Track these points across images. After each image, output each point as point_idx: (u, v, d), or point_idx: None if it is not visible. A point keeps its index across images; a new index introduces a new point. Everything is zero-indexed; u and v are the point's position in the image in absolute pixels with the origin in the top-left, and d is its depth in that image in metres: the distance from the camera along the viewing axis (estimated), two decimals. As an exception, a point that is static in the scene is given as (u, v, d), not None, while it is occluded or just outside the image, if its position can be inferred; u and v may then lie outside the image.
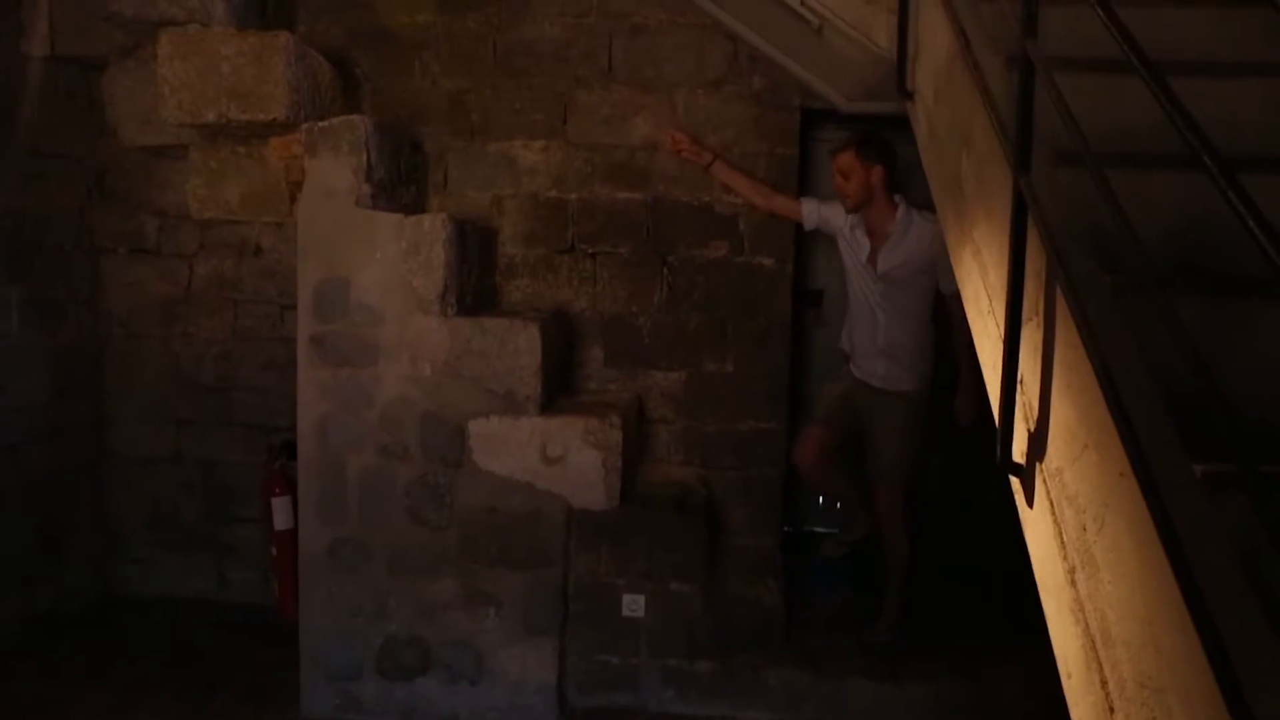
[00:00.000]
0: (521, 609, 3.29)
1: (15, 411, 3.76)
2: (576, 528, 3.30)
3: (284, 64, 3.25)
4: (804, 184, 3.95)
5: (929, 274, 3.44)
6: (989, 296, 1.98)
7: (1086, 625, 1.31)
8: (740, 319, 3.85)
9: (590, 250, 3.86)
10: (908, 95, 3.09)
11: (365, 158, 3.20)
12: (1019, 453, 1.65)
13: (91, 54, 3.70)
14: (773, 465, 3.84)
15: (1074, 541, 1.37)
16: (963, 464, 4.15)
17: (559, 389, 3.63)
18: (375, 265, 3.20)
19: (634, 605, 3.29)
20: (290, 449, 3.54)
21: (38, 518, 3.87)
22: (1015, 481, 1.67)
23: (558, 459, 3.26)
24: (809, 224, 3.66)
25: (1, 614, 3.68)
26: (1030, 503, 1.59)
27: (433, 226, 3.17)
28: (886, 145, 3.44)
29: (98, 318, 4.16)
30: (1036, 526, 1.56)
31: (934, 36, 2.71)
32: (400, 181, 3.57)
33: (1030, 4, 1.69)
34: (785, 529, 3.98)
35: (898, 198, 3.47)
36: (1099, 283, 1.47)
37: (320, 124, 3.23)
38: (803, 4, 3.42)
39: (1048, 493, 1.50)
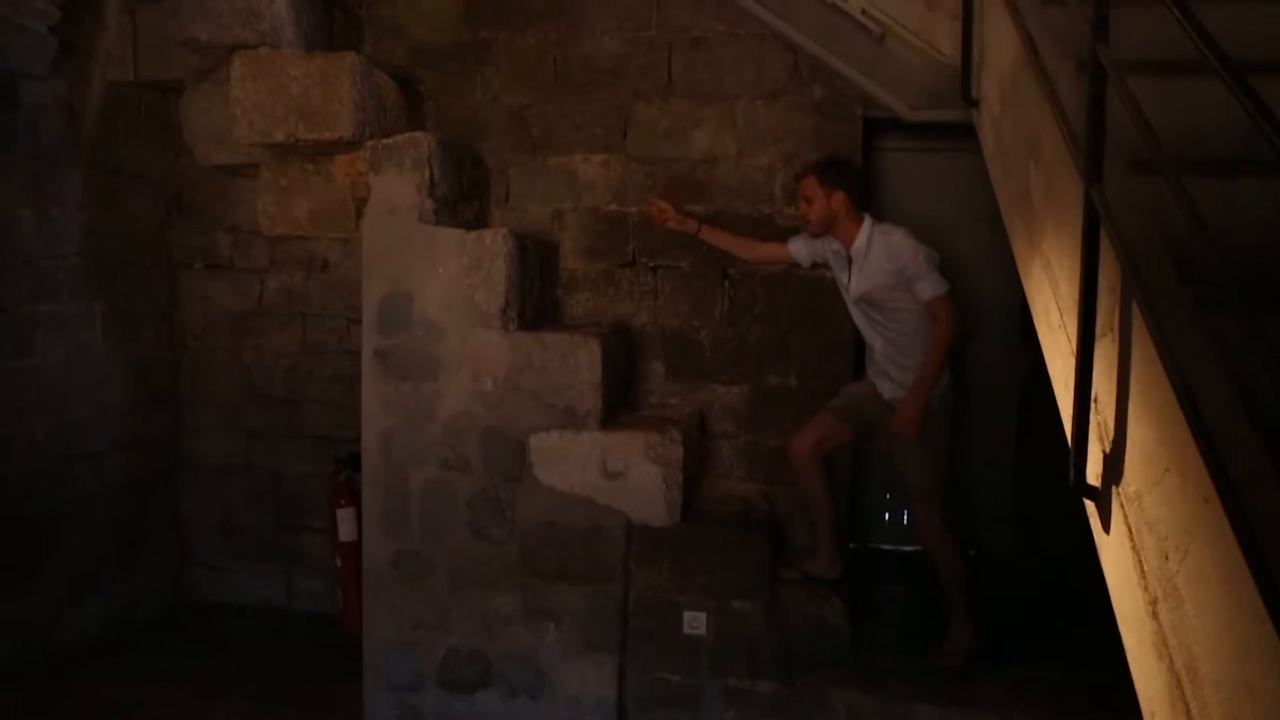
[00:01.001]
0: (582, 624, 3.28)
1: (99, 421, 3.90)
2: (637, 543, 3.28)
3: (350, 84, 3.31)
4: (866, 194, 3.88)
5: (904, 288, 3.28)
6: (1059, 311, 1.91)
7: (1171, 662, 1.24)
8: (802, 332, 3.79)
9: (651, 264, 3.86)
10: (973, 103, 3.02)
11: (428, 174, 3.25)
12: (1094, 475, 1.58)
13: (170, 78, 3.83)
14: (836, 479, 3.76)
15: (1155, 571, 1.30)
16: (1036, 483, 4.03)
17: (620, 403, 3.62)
18: (438, 280, 3.23)
19: (695, 623, 3.25)
20: (355, 461, 3.59)
21: (118, 524, 4.01)
22: (1090, 505, 1.60)
23: (618, 474, 3.25)
24: (803, 260, 3.61)
25: (83, 615, 3.81)
26: (1106, 528, 1.52)
27: (494, 242, 3.20)
28: (849, 168, 3.42)
29: (175, 331, 4.30)
30: (1114, 554, 1.49)
31: (999, 43, 2.64)
32: (463, 197, 3.61)
33: (1101, 6, 1.62)
34: (850, 545, 3.90)
35: (866, 218, 3.37)
36: (1178, 296, 1.40)
37: (384, 141, 3.29)
38: (863, 13, 3.36)
39: (1125, 518, 1.43)
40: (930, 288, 3.23)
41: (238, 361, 4.25)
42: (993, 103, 2.76)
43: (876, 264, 3.31)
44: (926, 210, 4.13)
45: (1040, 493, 3.98)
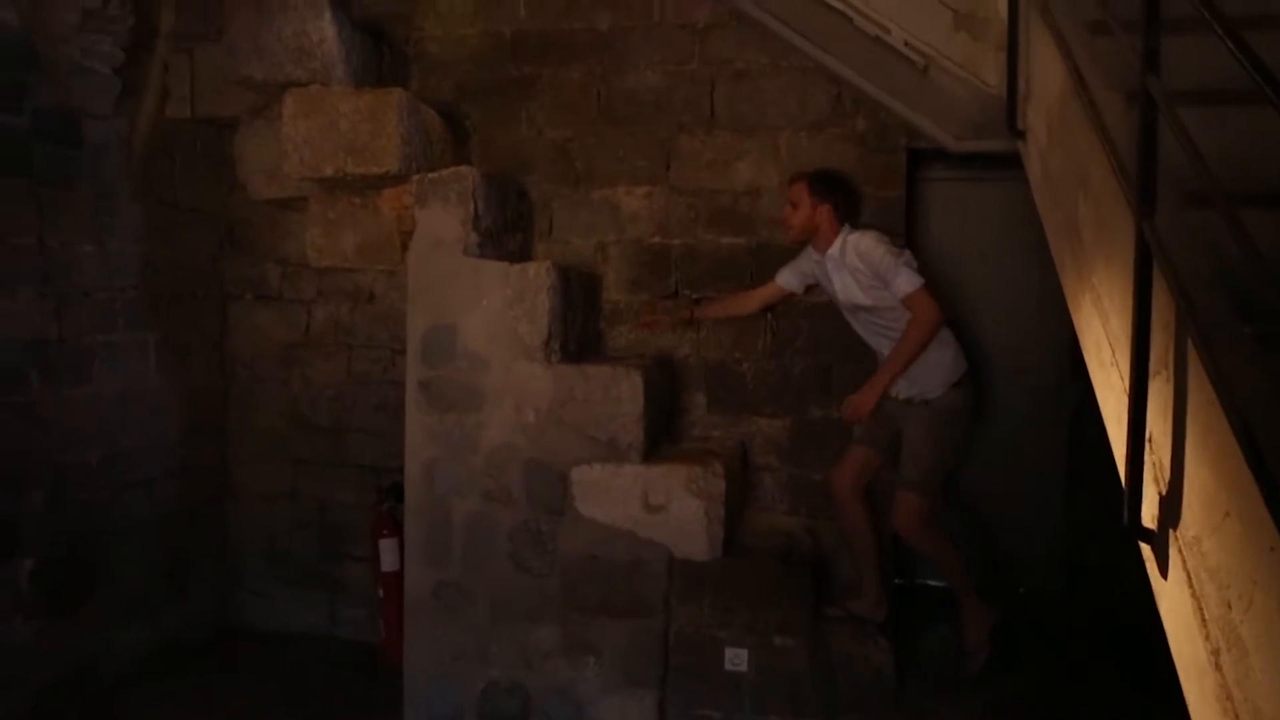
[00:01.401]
0: (622, 659, 3.25)
1: (150, 449, 3.98)
2: (678, 578, 3.25)
3: (397, 119, 3.38)
4: (912, 225, 3.86)
5: (885, 288, 3.30)
6: (1111, 347, 1.86)
7: (1236, 717, 1.18)
8: (846, 364, 3.75)
9: (694, 295, 3.86)
10: (1019, 134, 2.99)
11: (473, 207, 3.29)
12: (1149, 517, 1.53)
13: (225, 115, 3.94)
14: (881, 515, 3.70)
15: (1217, 620, 1.25)
16: (1088, 521, 3.94)
17: (662, 436, 3.61)
18: (482, 312, 3.26)
19: (736, 659, 3.21)
20: (398, 491, 3.62)
21: (167, 550, 4.07)
22: (1146, 549, 1.54)
23: (660, 507, 3.23)
24: (797, 288, 3.65)
25: (131, 640, 3.86)
26: (1164, 573, 1.47)
27: (537, 274, 3.22)
28: (841, 185, 3.49)
29: (225, 360, 4.38)
30: (1172, 600, 1.43)
31: (1045, 74, 2.61)
32: (507, 229, 3.65)
33: (1151, 38, 1.60)
34: (895, 581, 3.83)
35: (844, 228, 3.42)
36: (1237, 333, 1.35)
37: (430, 175, 3.34)
38: (906, 45, 3.36)
39: (1184, 563, 1.38)
40: (904, 283, 3.26)
41: (285, 391, 4.32)
42: (1039, 134, 2.73)
43: (851, 268, 3.37)
44: (972, 240, 4.11)
45: (1093, 531, 3.89)
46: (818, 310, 3.75)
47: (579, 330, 3.55)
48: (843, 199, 3.46)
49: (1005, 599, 3.66)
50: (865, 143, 3.75)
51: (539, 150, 3.96)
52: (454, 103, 4.01)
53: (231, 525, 4.42)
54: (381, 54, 3.94)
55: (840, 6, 3.33)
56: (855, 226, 3.47)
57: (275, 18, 3.54)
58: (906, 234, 3.74)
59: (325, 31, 3.51)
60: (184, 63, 3.93)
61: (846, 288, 3.41)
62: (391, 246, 3.54)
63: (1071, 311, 2.30)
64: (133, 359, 3.87)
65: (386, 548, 3.75)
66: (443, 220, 3.29)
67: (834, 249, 3.40)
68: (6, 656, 3.25)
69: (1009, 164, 3.21)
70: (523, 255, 3.80)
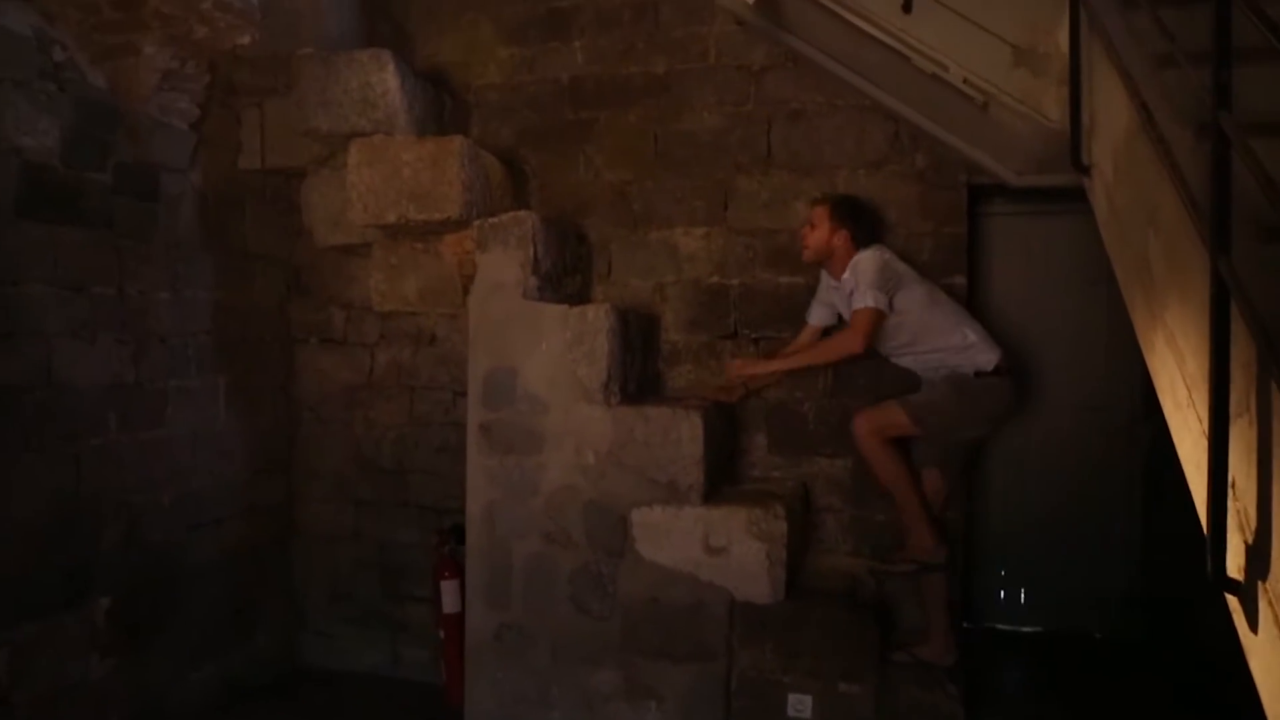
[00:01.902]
0: (683, 704, 3.21)
1: (220, 490, 4.07)
2: (740, 621, 3.21)
3: (458, 166, 3.45)
4: (974, 261, 3.80)
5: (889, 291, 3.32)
6: (1187, 388, 1.80)
7: (1332, 780, 1.12)
8: (908, 402, 3.69)
9: (753, 335, 3.84)
10: (1084, 170, 2.93)
11: (532, 251, 3.34)
12: (1235, 567, 1.47)
13: (293, 165, 4.07)
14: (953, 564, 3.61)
15: (1312, 678, 1.19)
16: (1168, 563, 3.79)
17: (722, 477, 3.58)
18: (541, 355, 3.29)
19: (800, 706, 3.14)
20: (459, 533, 3.64)
21: (234, 590, 4.15)
22: (1233, 601, 1.48)
23: (721, 550, 3.20)
24: (829, 319, 3.62)
25: (200, 679, 3.93)
26: (1254, 627, 1.40)
27: (596, 317, 3.24)
28: (863, 213, 3.54)
29: (290, 403, 4.48)
30: (1264, 655, 1.37)
31: (1111, 108, 2.56)
32: (566, 272, 3.69)
33: (1222, 72, 1.56)
34: (964, 625, 3.72)
35: (858, 253, 3.42)
36: (1324, 375, 1.30)
37: (491, 221, 3.40)
38: (965, 81, 3.33)
39: (1275, 617, 1.32)
40: (860, 299, 3.29)
41: (349, 432, 4.40)
42: (1105, 169, 2.68)
43: (836, 287, 3.47)
44: (1038, 275, 4.04)
45: (1172, 577, 3.74)
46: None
47: (638, 371, 3.55)
48: (862, 227, 3.49)
49: (1080, 646, 3.54)
50: (924, 179, 3.72)
51: (597, 193, 4.01)
52: (513, 147, 4.09)
53: (296, 565, 4.49)
54: (443, 101, 4.05)
55: (897, 45, 3.31)
56: None
57: (342, 71, 3.66)
58: (969, 270, 3.69)
59: (389, 83, 3.62)
60: (255, 116, 4.07)
61: (825, 307, 3.54)
62: (453, 290, 3.61)
63: (1144, 350, 2.24)
64: (204, 402, 3.98)
65: (448, 589, 3.77)
66: (503, 264, 3.34)
67: (846, 274, 3.42)
68: (83, 694, 3.34)
69: (1073, 196, 3.16)
70: (581, 297, 3.83)
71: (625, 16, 3.99)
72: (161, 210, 3.69)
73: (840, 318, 3.57)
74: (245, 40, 3.65)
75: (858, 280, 3.31)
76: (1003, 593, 4.07)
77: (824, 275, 3.58)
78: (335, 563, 4.43)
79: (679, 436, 3.22)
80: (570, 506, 3.29)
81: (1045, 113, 3.27)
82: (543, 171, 4.09)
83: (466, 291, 3.53)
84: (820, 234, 3.46)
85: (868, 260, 3.34)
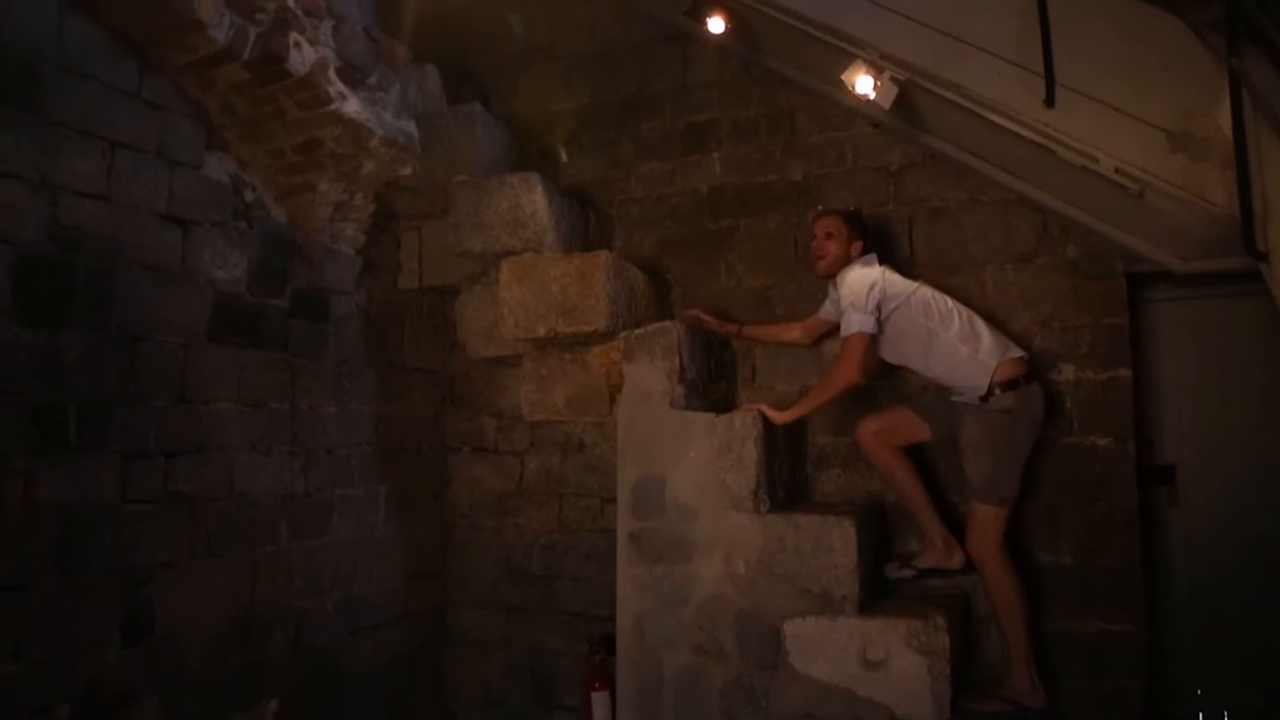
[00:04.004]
0: (844, 829, 3.03)
1: (379, 596, 4.22)
2: (903, 742, 3.04)
3: (603, 280, 3.58)
4: (1138, 354, 3.60)
5: (877, 311, 3.32)
6: None
7: None
8: (1074, 505, 3.50)
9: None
10: (1260, 256, 2.77)
11: (678, 360, 3.39)
12: None
13: (448, 283, 4.32)
14: (1131, 677, 3.34)
15: None
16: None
17: (877, 586, 3.45)
18: (689, 463, 3.30)
19: (971, 836, 2.93)
20: (609, 642, 3.63)
21: (390, 695, 4.23)
22: None
23: (879, 664, 3.06)
24: (835, 316, 3.54)
25: (357, 786, 4.01)
26: None
27: (743, 424, 3.24)
28: (870, 230, 3.60)
29: (444, 510, 4.63)
30: None
31: (1289, 192, 2.43)
32: (711, 379, 3.73)
33: None
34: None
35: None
36: None
37: (636, 332, 3.48)
38: (1117, 171, 3.23)
39: None
40: (846, 325, 3.29)
41: (499, 539, 4.49)
42: (1286, 256, 2.52)
43: (833, 299, 3.51)
44: (1212, 363, 3.76)
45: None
46: (1037, 447, 3.53)
47: (786, 477, 3.51)
48: (870, 240, 3.55)
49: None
50: (1078, 270, 3.59)
51: (739, 299, 4.05)
52: (656, 257, 4.20)
53: (449, 671, 4.56)
54: (587, 217, 4.23)
55: (1041, 140, 3.26)
56: None
57: (493, 194, 3.89)
58: (1134, 361, 3.50)
59: (537, 203, 3.82)
60: (414, 239, 4.36)
61: (834, 306, 3.53)
62: (600, 399, 3.69)
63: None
64: (365, 510, 4.16)
65: (599, 701, 3.73)
66: (649, 374, 3.40)
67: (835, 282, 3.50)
68: (253, 795, 3.46)
69: (1250, 277, 2.97)
70: (727, 403, 3.84)
71: (762, 127, 4.10)
72: (331, 330, 3.96)
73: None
74: (407, 171, 3.95)
75: (843, 299, 3.32)
76: (1201, 716, 3.69)
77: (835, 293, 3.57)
78: (487, 669, 4.47)
79: (831, 545, 3.13)
80: (721, 617, 3.23)
81: (1210, 198, 3.13)
82: (685, 279, 4.17)
83: (613, 400, 3.60)
84: (839, 244, 3.50)
85: (856, 279, 3.36)
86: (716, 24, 3.68)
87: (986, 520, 3.24)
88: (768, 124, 4.09)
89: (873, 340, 3.31)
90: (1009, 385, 3.24)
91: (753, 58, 4.08)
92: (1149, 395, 3.68)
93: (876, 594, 3.40)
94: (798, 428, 3.78)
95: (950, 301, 3.41)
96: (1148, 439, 3.65)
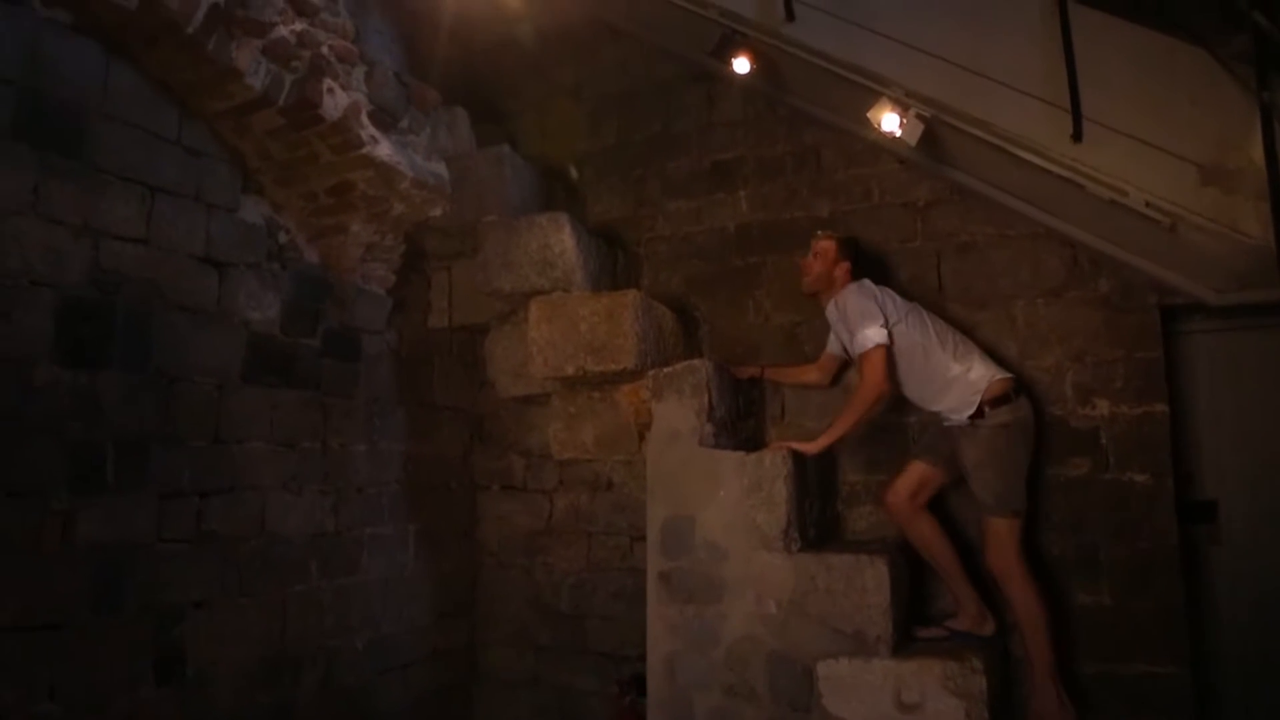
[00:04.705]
0: None
1: (408, 634, 4.21)
2: (941, 788, 2.96)
3: (632, 319, 3.59)
4: (1174, 387, 3.54)
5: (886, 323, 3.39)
6: None
7: None
8: (1113, 543, 3.44)
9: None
10: (1298, 288, 2.73)
11: (706, 399, 3.38)
12: None
13: (477, 322, 4.35)
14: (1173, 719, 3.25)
15: None
16: None
17: (912, 626, 3.39)
18: (719, 502, 3.27)
19: None
20: (640, 683, 3.59)
21: (419, 736, 4.21)
22: None
23: (914, 706, 3.00)
24: (840, 350, 3.69)
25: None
26: None
27: (773, 463, 3.22)
28: (862, 253, 3.69)
29: (473, 548, 4.62)
30: None
31: (1325, 225, 2.40)
32: (740, 417, 3.71)
33: None
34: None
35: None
36: None
37: (665, 370, 3.48)
38: (1148, 205, 3.20)
39: None
40: (861, 341, 3.34)
41: (528, 577, 4.47)
42: (1324, 288, 2.48)
43: (832, 320, 3.56)
44: (1250, 396, 3.67)
45: None
46: (1074, 485, 3.49)
47: (816, 515, 3.47)
48: (860, 263, 3.63)
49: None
50: (1110, 304, 3.56)
51: (767, 335, 4.05)
52: (683, 295, 4.22)
53: (477, 711, 4.52)
54: (615, 255, 4.26)
55: (1069, 175, 3.25)
56: None
57: (522, 234, 3.93)
58: (1170, 395, 3.45)
59: (565, 243, 3.85)
60: (444, 279, 4.41)
61: (841, 340, 3.58)
62: (628, 437, 3.69)
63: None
64: (395, 548, 4.17)
65: (629, 742, 3.69)
66: (678, 412, 3.39)
67: (830, 307, 3.55)
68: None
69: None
70: (756, 441, 3.82)
71: (788, 164, 4.12)
72: (362, 369, 4.00)
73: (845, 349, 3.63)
74: (437, 212, 4.00)
75: (849, 320, 3.40)
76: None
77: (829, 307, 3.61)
78: (515, 710, 4.43)
79: (864, 585, 3.09)
80: (753, 658, 3.18)
81: (1243, 230, 3.10)
82: (713, 317, 4.18)
83: (642, 438, 3.60)
84: (823, 264, 3.59)
85: (853, 296, 3.43)
86: (742, 64, 3.71)
87: (1002, 533, 3.29)
88: (793, 161, 4.12)
89: (889, 352, 3.36)
90: (999, 401, 3.31)
91: (777, 96, 4.11)
92: (1187, 429, 3.61)
93: (909, 636, 3.34)
94: (828, 465, 3.75)
95: (943, 323, 3.51)
96: (1187, 474, 3.58)
